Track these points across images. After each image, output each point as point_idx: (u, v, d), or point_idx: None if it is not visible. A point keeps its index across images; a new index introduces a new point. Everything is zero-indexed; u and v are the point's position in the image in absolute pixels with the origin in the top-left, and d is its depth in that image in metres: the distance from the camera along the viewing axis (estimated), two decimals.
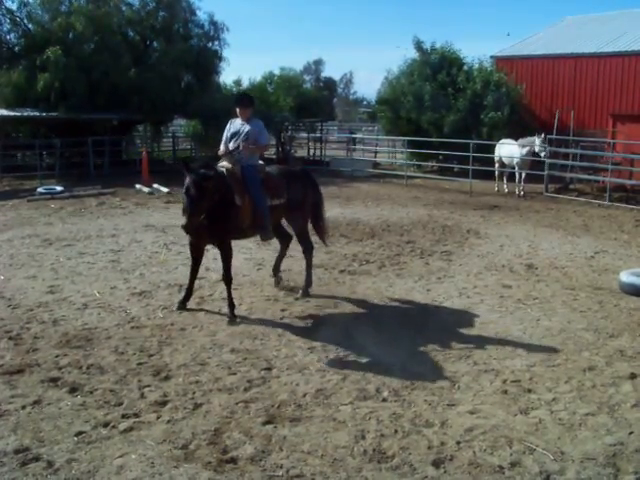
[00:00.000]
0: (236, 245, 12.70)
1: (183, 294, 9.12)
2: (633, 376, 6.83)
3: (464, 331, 8.19)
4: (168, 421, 5.74)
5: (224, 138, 9.30)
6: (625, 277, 10.14)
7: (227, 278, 8.69)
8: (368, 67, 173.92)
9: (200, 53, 29.72)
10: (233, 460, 5.12)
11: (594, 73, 25.98)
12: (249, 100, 9.52)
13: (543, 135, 21.16)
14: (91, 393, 6.29)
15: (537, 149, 20.95)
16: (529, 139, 21.26)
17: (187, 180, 7.95)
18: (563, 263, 12.03)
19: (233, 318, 8.46)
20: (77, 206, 18.20)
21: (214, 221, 8.25)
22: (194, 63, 28.91)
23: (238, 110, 9.27)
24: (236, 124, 9.31)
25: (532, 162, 21.66)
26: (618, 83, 25.41)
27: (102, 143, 26.14)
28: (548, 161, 21.75)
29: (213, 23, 30.65)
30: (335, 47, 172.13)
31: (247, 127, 9.14)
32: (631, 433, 5.63)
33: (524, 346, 7.67)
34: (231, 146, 9.08)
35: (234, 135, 9.20)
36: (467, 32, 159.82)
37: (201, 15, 31.14)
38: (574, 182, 23.51)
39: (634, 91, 24.99)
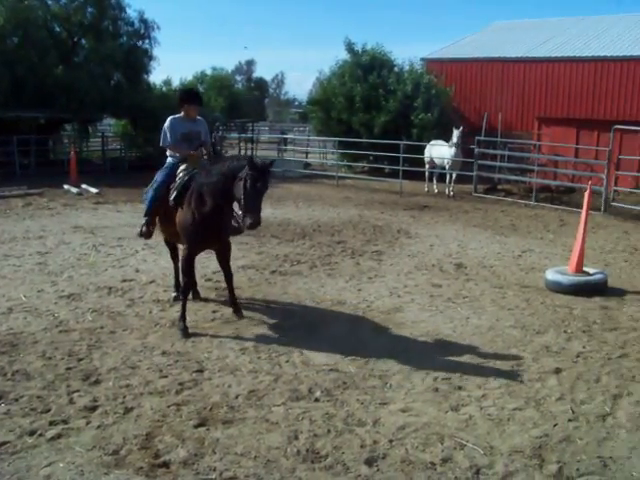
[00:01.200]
0: (160, 246, 12.56)
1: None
2: (558, 371, 6.98)
3: (395, 330, 8.23)
4: (98, 426, 5.58)
5: (170, 138, 8.54)
6: (551, 275, 10.35)
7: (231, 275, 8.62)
8: (300, 68, 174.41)
9: (130, 51, 29.25)
10: (165, 464, 5.01)
11: (521, 77, 26.57)
12: (200, 97, 8.91)
13: (461, 128, 21.51)
14: (16, 400, 6.05)
15: (454, 140, 21.26)
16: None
17: (254, 174, 7.19)
18: (491, 262, 12.22)
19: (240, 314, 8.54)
20: (2, 207, 17.66)
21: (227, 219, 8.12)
22: (124, 61, 28.41)
23: (187, 107, 8.62)
24: (185, 123, 8.62)
25: (462, 163, 22.00)
26: (543, 87, 26.06)
27: (28, 142, 25.47)
28: (477, 162, 22.13)
29: (143, 21, 30.23)
30: (267, 48, 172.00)
31: (198, 127, 8.72)
32: (555, 425, 5.76)
33: (454, 344, 7.75)
34: (185, 148, 8.57)
35: (185, 136, 8.58)
36: (398, 35, 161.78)
37: (131, 13, 30.50)
38: (502, 183, 23.95)
39: (558, 95, 25.65)
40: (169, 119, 8.62)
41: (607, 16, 31.57)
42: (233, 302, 8.67)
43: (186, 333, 7.88)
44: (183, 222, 8.05)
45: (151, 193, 8.54)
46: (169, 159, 8.77)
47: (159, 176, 8.57)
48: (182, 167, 8.47)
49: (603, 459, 5.19)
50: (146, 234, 8.78)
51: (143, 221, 8.64)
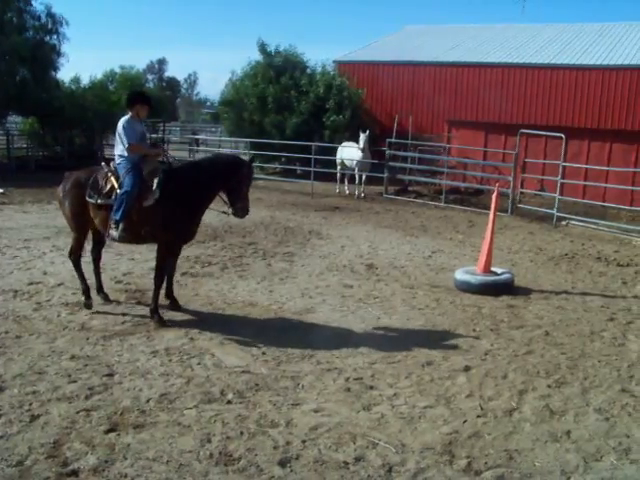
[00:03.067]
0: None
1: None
2: (467, 368, 7.13)
3: (307, 331, 8.25)
4: (1, 437, 5.36)
5: (132, 138, 8.45)
6: (460, 275, 10.56)
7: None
8: (213, 68, 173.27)
9: (36, 47, 28.07)
10: (74, 473, 4.86)
11: (431, 81, 27.00)
12: (150, 98, 9.04)
13: (367, 131, 21.74)
14: None
15: (361, 144, 21.47)
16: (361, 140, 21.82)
17: (244, 168, 8.29)
18: (402, 263, 12.38)
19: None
20: None
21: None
22: (30, 57, 27.24)
23: (139, 108, 8.63)
24: (137, 124, 8.68)
25: (372, 164, 22.24)
26: (453, 91, 26.54)
27: None
28: (388, 164, 22.41)
29: (51, 15, 29.03)
30: (179, 47, 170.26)
31: (144, 128, 8.92)
32: (465, 422, 5.88)
33: (365, 344, 7.81)
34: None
35: (142, 136, 8.73)
36: (311, 36, 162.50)
37: (37, 6, 29.45)
38: (412, 184, 24.31)
39: (467, 99, 26.19)
40: (124, 120, 8.52)
41: (514, 24, 32.46)
42: (172, 296, 9.08)
43: (163, 322, 8.29)
44: (169, 218, 8.19)
45: (125, 197, 8.22)
46: (122, 160, 8.50)
47: (128, 179, 8.29)
48: (146, 166, 8.46)
49: (509, 452, 5.34)
50: (128, 237, 8.48)
51: (121, 227, 8.27)
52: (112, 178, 8.45)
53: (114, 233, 8.37)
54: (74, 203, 8.66)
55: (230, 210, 8.35)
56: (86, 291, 8.92)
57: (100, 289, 9.21)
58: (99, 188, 8.46)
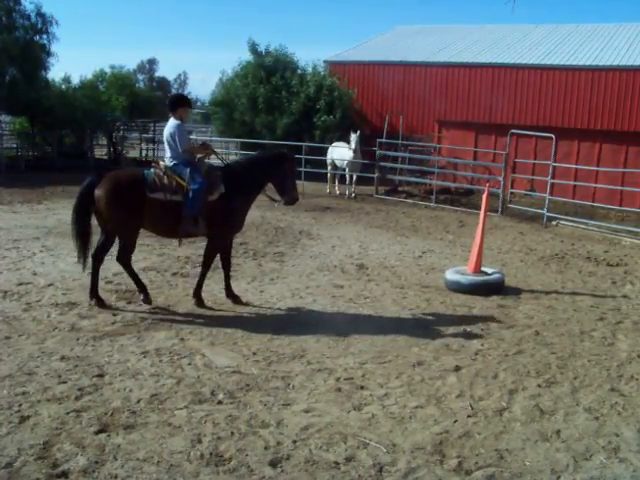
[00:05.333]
0: (66, 248, 12.24)
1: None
2: (457, 368, 7.14)
3: (297, 331, 8.24)
4: None
5: (185, 142, 8.95)
6: (450, 275, 10.58)
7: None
8: (203, 68, 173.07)
9: (26, 46, 27.92)
10: (64, 474, 4.82)
11: (422, 81, 27.06)
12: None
13: (358, 132, 21.78)
14: None
15: (352, 145, 21.50)
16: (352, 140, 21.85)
17: (290, 161, 9.46)
18: (392, 263, 12.40)
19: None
20: None
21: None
22: (20, 56, 27.15)
23: (183, 111, 9.20)
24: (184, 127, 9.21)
25: (363, 164, 22.26)
26: (444, 91, 26.59)
27: None
28: (379, 164, 22.45)
29: (41, 15, 28.85)
30: (170, 47, 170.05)
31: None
32: (455, 421, 5.88)
33: (356, 344, 7.81)
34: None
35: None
36: (302, 36, 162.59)
37: (27, 5, 29.22)
38: (403, 184, 24.35)
39: (458, 99, 26.26)
40: (175, 125, 8.93)
41: (504, 25, 32.57)
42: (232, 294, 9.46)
43: (202, 304, 9.10)
44: (228, 212, 8.85)
45: (198, 193, 8.61)
46: (176, 161, 8.86)
47: (196, 175, 8.69)
48: (201, 165, 9.00)
49: (499, 451, 5.35)
50: (202, 231, 8.93)
51: (200, 221, 8.71)
52: (175, 176, 8.72)
53: (191, 228, 8.74)
54: (131, 201, 8.60)
55: (281, 200, 9.31)
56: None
57: (143, 289, 9.22)
58: (164, 185, 8.67)
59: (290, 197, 9.20)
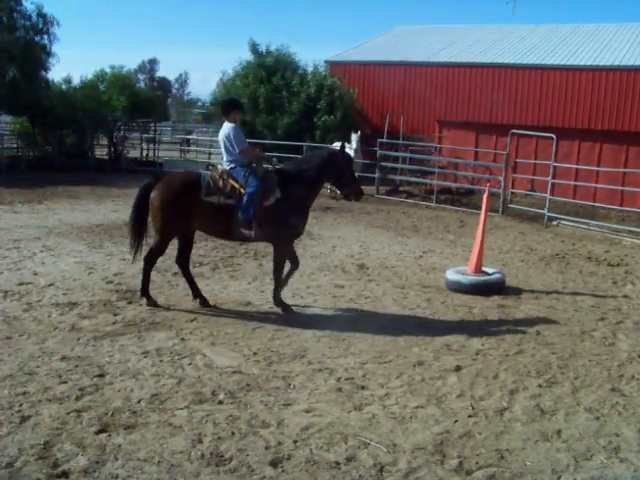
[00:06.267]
0: (67, 248, 12.26)
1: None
2: (458, 368, 7.14)
3: (298, 331, 8.24)
4: None
5: (242, 144, 9.02)
6: (451, 275, 10.58)
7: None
8: (204, 68, 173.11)
9: (27, 46, 27.95)
10: (65, 474, 4.82)
11: (422, 81, 27.02)
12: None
13: (359, 132, 21.78)
14: None
15: (353, 145, 21.51)
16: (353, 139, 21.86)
17: (347, 156, 9.46)
18: (393, 263, 12.40)
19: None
20: None
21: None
22: (20, 56, 27.16)
23: (237, 114, 9.42)
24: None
25: (363, 164, 22.25)
26: (444, 91, 26.56)
27: None
28: (380, 164, 22.45)
29: (42, 15, 28.84)
30: (170, 47, 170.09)
31: None
32: (456, 421, 5.88)
33: (357, 344, 7.81)
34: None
35: None
36: (303, 36, 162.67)
37: (28, 6, 29.26)
38: (403, 184, 24.34)
39: (458, 99, 26.24)
40: (232, 127, 9.02)
41: (504, 25, 32.58)
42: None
43: (291, 309, 9.01)
44: (287, 216, 8.82)
45: (253, 197, 8.64)
46: (234, 164, 8.95)
47: (252, 179, 8.74)
48: (258, 168, 8.98)
49: (500, 451, 5.35)
50: (257, 235, 8.85)
51: (254, 225, 8.70)
52: (230, 180, 8.76)
53: (245, 231, 8.73)
54: (184, 204, 8.65)
55: (341, 195, 9.69)
56: (146, 292, 9.10)
57: (198, 294, 9.24)
58: (219, 189, 8.70)
59: (350, 190, 9.40)
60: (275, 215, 8.74)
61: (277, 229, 8.82)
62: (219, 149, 9.31)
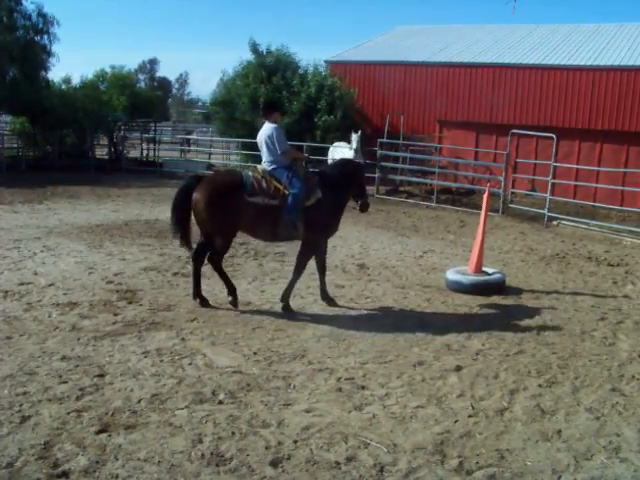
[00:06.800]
0: (67, 248, 12.27)
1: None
2: (458, 368, 7.14)
3: (298, 331, 8.25)
4: None
5: (284, 145, 9.18)
6: (451, 275, 10.58)
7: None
8: (204, 68, 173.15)
9: (27, 46, 27.93)
10: (65, 474, 4.82)
11: (423, 81, 26.97)
12: None
13: (359, 132, 21.79)
14: None
15: (354, 145, 21.51)
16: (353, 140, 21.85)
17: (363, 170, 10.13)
18: (393, 263, 12.40)
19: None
20: None
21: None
22: (20, 56, 27.17)
23: (278, 116, 9.63)
24: None
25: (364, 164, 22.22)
26: (444, 91, 26.52)
27: None
28: (380, 164, 22.45)
29: (42, 15, 28.78)
30: (171, 47, 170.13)
31: None
32: (456, 421, 5.89)
33: (357, 344, 7.82)
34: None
35: None
36: (303, 36, 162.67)
37: (28, 5, 29.13)
38: (404, 184, 24.34)
39: (459, 99, 26.20)
40: (274, 128, 9.12)
41: (505, 25, 32.53)
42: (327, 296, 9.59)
43: (290, 309, 9.11)
44: (325, 216, 9.12)
45: (297, 198, 8.84)
46: (276, 164, 9.06)
47: (295, 180, 8.92)
48: (300, 169, 9.23)
49: (500, 451, 5.35)
50: (298, 235, 9.20)
51: (299, 225, 8.94)
52: (273, 181, 8.90)
53: (292, 232, 9.01)
54: (229, 205, 8.72)
55: (357, 205, 9.84)
56: (234, 291, 9.14)
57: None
58: (263, 190, 8.81)
59: (365, 202, 9.75)
60: (315, 215, 8.93)
61: (313, 229, 9.04)
62: (259, 150, 9.41)
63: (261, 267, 11.61)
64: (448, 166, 24.57)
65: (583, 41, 27.65)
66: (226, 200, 8.67)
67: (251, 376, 6.74)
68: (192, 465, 5.00)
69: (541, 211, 18.64)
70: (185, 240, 9.08)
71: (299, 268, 9.28)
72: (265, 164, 9.11)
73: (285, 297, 9.14)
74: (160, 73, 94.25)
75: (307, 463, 5.08)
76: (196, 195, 8.73)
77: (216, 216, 8.72)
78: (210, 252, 9.08)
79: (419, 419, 5.92)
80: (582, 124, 23.99)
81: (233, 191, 8.72)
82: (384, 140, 23.77)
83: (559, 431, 5.75)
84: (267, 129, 9.13)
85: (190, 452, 5.19)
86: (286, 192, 8.80)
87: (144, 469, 4.92)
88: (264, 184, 8.83)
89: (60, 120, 27.86)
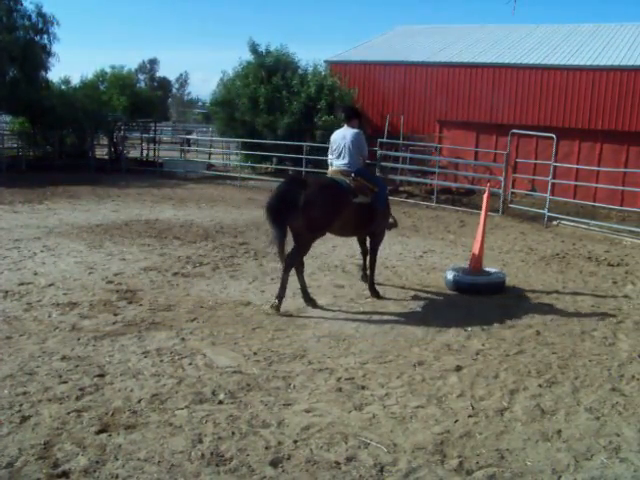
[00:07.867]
0: (67, 248, 12.26)
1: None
2: (458, 368, 7.13)
3: (298, 331, 8.24)
4: None
5: (366, 149, 9.88)
6: (451, 275, 10.58)
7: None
8: (204, 68, 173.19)
9: (27, 46, 27.82)
10: (65, 474, 4.80)
11: (423, 81, 26.98)
12: None
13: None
14: None
15: None
16: None
17: None
18: (393, 262, 12.40)
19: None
20: None
21: None
22: (20, 56, 27.10)
23: (356, 121, 9.90)
24: None
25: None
26: (444, 91, 26.53)
27: None
28: (380, 164, 22.44)
29: (41, 15, 28.70)
30: (171, 47, 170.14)
31: None
32: (456, 421, 5.88)
33: (357, 344, 7.81)
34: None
35: None
36: (303, 36, 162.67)
37: (28, 5, 29.08)
38: (404, 184, 24.35)
39: (459, 99, 26.21)
40: (359, 133, 9.70)
41: (505, 25, 32.49)
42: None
43: (380, 296, 9.96)
44: (386, 210, 10.09)
45: (386, 194, 10.26)
46: (358, 166, 9.62)
47: (379, 180, 10.59)
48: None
49: (500, 451, 5.34)
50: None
51: (392, 219, 10.47)
52: (364, 181, 9.55)
53: (386, 222, 10.20)
54: (338, 205, 9.08)
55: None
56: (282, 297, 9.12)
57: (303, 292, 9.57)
58: (361, 190, 9.41)
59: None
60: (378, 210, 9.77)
61: (380, 222, 9.95)
62: (331, 152, 9.82)
63: (261, 267, 11.61)
64: (448, 166, 24.58)
65: (583, 41, 27.66)
66: (341, 201, 9.13)
67: (251, 376, 6.74)
68: (192, 465, 5.00)
69: (541, 211, 18.65)
70: (282, 246, 8.89)
71: (374, 259, 10.13)
72: (342, 166, 9.56)
73: (373, 287, 10.00)
74: (160, 73, 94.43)
75: (307, 463, 5.07)
76: (313, 196, 8.78)
77: (329, 217, 9.05)
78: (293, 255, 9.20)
79: (419, 419, 5.92)
80: (582, 124, 24.00)
81: (345, 193, 9.20)
82: (384, 140, 23.77)
83: (559, 431, 5.75)
84: (350, 134, 9.58)
85: (190, 452, 5.18)
86: (375, 190, 9.56)
87: (144, 469, 4.92)
88: (360, 185, 9.41)
89: (60, 120, 27.85)
